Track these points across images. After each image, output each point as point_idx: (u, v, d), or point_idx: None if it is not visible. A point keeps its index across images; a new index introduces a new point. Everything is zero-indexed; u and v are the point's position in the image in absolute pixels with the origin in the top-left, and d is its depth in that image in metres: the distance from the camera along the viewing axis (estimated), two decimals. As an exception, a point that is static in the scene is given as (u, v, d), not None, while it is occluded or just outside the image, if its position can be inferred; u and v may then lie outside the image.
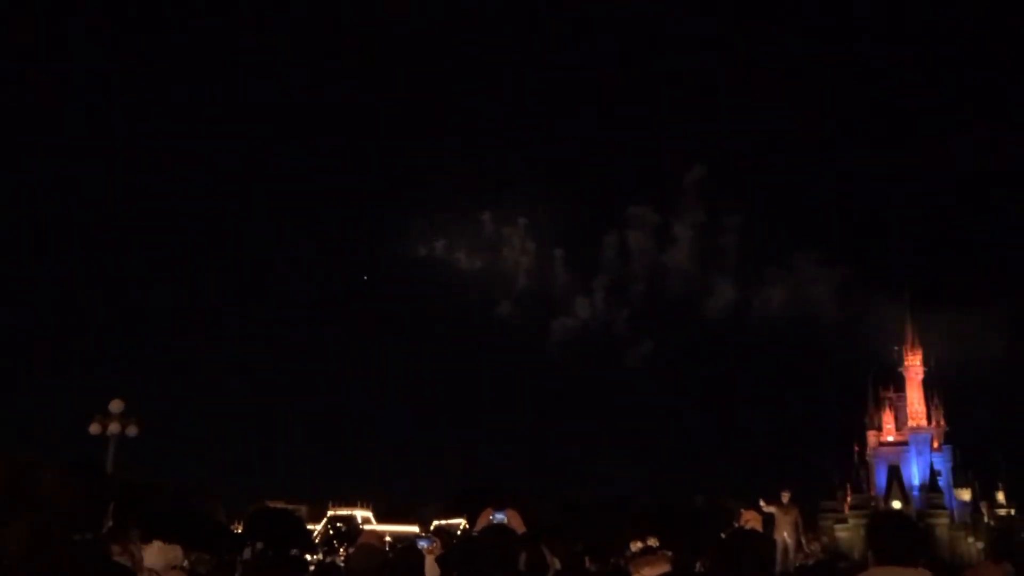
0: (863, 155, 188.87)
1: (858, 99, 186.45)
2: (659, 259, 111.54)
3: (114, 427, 23.04)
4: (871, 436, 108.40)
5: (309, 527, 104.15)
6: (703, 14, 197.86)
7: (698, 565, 9.63)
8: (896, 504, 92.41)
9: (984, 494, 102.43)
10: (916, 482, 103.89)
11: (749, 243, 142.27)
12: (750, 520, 7.92)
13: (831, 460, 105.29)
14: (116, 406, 23.30)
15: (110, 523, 3.58)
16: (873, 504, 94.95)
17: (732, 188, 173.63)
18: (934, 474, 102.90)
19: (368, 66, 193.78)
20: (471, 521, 7.30)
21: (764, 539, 4.83)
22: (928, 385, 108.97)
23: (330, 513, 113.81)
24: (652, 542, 15.21)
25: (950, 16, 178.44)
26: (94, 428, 23.16)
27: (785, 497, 19.88)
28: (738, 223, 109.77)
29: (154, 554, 6.38)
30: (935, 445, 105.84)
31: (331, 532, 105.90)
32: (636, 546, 15.76)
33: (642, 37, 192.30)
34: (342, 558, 48.49)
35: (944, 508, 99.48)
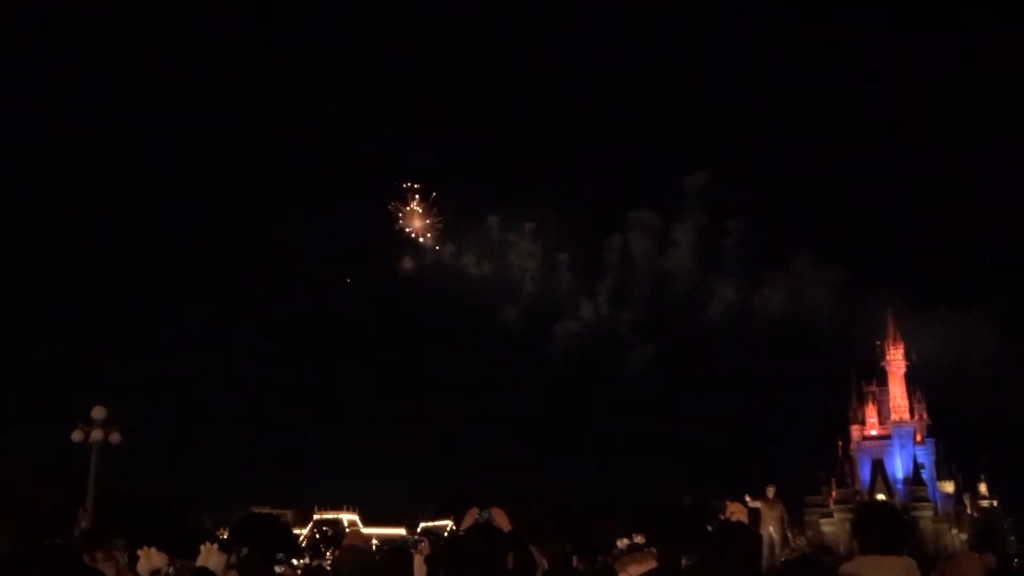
0: (858, 155, 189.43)
1: (852, 105, 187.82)
2: (661, 262, 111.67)
3: (97, 434, 22.76)
4: (854, 430, 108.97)
5: (295, 531, 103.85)
6: (704, 19, 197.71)
7: (684, 561, 9.65)
8: (880, 497, 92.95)
9: (967, 486, 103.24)
10: (900, 475, 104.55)
11: (749, 246, 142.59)
12: (736, 512, 7.91)
13: (815, 455, 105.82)
14: (99, 413, 23.01)
15: (82, 527, 3.55)
16: (858, 498, 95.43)
17: (734, 192, 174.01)
18: (917, 467, 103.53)
19: (369, 69, 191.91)
20: (457, 522, 7.28)
21: (751, 531, 4.84)
22: (910, 379, 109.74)
23: (316, 517, 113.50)
24: (638, 539, 15.25)
25: (942, 19, 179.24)
26: (76, 435, 22.85)
27: (770, 492, 20.03)
28: (739, 227, 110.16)
29: (146, 559, 6.32)
30: (918, 438, 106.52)
31: (317, 536, 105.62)
32: (622, 543, 15.79)
33: (645, 41, 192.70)
34: (328, 561, 48.23)
35: (928, 501, 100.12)
